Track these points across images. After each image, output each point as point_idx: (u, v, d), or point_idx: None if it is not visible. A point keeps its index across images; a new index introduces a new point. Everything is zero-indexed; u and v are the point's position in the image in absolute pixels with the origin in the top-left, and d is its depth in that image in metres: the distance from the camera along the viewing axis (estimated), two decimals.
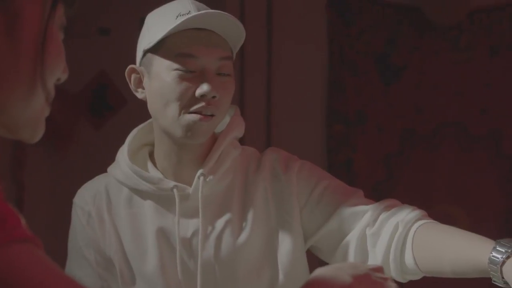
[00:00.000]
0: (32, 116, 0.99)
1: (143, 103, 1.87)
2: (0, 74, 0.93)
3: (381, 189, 4.15)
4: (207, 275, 1.81)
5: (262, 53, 4.21)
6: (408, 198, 3.99)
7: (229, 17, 1.76)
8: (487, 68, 4.12)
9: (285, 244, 1.83)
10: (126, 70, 1.86)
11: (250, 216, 1.84)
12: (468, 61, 4.15)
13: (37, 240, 0.90)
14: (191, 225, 1.83)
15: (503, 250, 1.52)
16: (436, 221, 1.79)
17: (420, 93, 4.17)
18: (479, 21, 4.15)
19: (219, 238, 1.82)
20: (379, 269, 1.22)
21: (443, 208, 4.11)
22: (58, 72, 1.00)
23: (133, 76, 1.86)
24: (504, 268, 1.51)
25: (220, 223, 1.83)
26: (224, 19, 1.76)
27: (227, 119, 1.92)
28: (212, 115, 1.77)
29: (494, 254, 1.54)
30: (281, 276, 1.83)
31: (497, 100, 4.10)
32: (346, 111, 4.19)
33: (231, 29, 1.79)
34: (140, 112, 1.91)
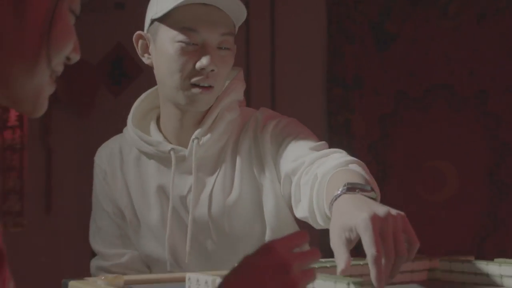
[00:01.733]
0: (34, 90, 0.97)
1: None
2: (6, 48, 0.92)
3: (377, 147, 4.18)
4: (201, 230, 1.84)
5: (266, 23, 4.22)
6: (402, 155, 4.11)
7: None
8: (474, 34, 4.11)
9: (269, 200, 1.84)
10: (134, 35, 1.89)
11: (237, 175, 1.85)
12: (456, 27, 4.14)
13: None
14: (187, 183, 1.85)
15: (345, 188, 1.38)
16: (357, 169, 1.57)
17: (412, 58, 4.17)
18: None
19: (210, 196, 1.84)
20: (299, 237, 1.05)
21: (434, 163, 4.14)
22: (64, 52, 0.98)
23: (140, 41, 1.88)
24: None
25: (211, 182, 1.85)
26: None
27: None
28: (210, 86, 1.81)
29: (340, 189, 1.39)
30: (268, 230, 1.85)
31: (484, 64, 4.09)
32: (344, 76, 4.21)
33: (234, 6, 1.79)
34: (154, 80, 1.91)
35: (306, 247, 1.06)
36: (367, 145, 4.17)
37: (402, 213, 1.26)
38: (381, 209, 1.23)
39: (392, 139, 4.20)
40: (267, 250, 0.99)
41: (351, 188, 1.38)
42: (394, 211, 1.24)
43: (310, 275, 1.01)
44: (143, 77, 4.19)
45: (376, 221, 1.20)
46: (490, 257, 1.63)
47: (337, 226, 1.28)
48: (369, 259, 1.18)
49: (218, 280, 1.31)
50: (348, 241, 1.25)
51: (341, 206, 1.34)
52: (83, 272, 1.80)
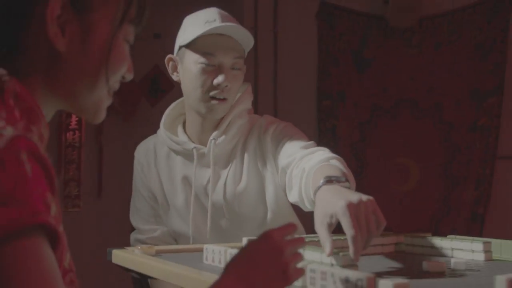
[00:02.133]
0: (95, 102, 0.96)
1: None
2: (73, 68, 0.91)
3: (357, 147, 4.16)
4: (217, 211, 1.84)
5: (270, 48, 4.21)
6: (376, 154, 4.09)
7: (241, 29, 1.78)
8: (432, 60, 4.10)
9: (270, 189, 1.84)
10: (166, 58, 1.89)
11: (245, 169, 1.84)
12: (418, 54, 4.13)
13: (55, 229, 0.76)
14: (206, 175, 1.85)
15: (325, 181, 1.37)
16: (336, 164, 1.56)
17: (384, 78, 4.15)
18: (426, 26, 4.12)
19: (224, 185, 1.84)
20: (290, 228, 1.04)
21: (401, 160, 4.12)
22: (120, 72, 0.97)
23: (170, 63, 1.88)
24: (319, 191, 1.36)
25: (225, 174, 1.85)
26: (239, 29, 1.78)
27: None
28: (225, 99, 1.80)
29: (321, 181, 1.38)
30: (269, 213, 1.85)
31: (439, 82, 4.08)
32: (331, 91, 4.19)
33: (244, 36, 1.80)
34: (182, 93, 1.92)
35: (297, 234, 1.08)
36: (349, 145, 4.15)
37: (371, 198, 1.25)
38: (354, 197, 1.23)
39: (368, 141, 4.18)
40: (265, 237, 1.00)
41: (329, 180, 1.37)
42: (365, 197, 1.23)
43: (299, 257, 1.02)
44: (174, 91, 4.19)
45: (351, 207, 1.20)
46: (444, 235, 1.63)
47: (319, 213, 1.28)
48: (349, 238, 1.18)
49: (229, 251, 1.30)
50: (329, 225, 1.25)
51: (321, 196, 1.33)
52: (126, 244, 1.80)
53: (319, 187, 1.36)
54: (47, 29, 0.88)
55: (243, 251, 0.98)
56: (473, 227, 3.95)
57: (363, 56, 4.17)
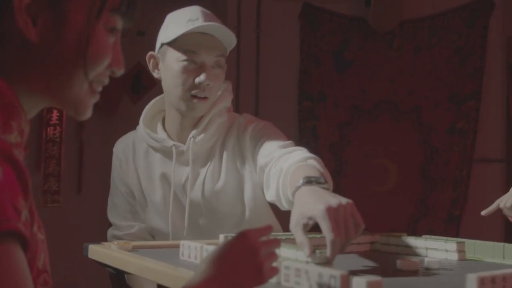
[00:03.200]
0: (75, 98, 0.91)
1: None
2: (47, 61, 0.87)
3: (336, 148, 4.18)
4: (195, 208, 1.83)
5: (252, 48, 4.22)
6: (355, 154, 4.11)
7: (224, 28, 1.77)
8: (412, 62, 4.13)
9: (248, 188, 1.83)
10: (147, 55, 1.87)
11: (224, 167, 1.83)
12: (399, 57, 4.15)
13: (25, 236, 0.73)
14: (184, 172, 1.84)
15: (303, 181, 1.35)
16: (313, 163, 1.55)
17: (364, 79, 4.18)
18: (407, 29, 4.15)
19: (203, 183, 1.83)
20: (266, 229, 1.03)
21: (380, 161, 4.15)
22: (101, 66, 0.91)
23: (151, 60, 1.86)
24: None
25: (204, 172, 1.84)
26: (222, 28, 1.76)
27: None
28: (206, 97, 1.79)
29: (300, 181, 1.36)
30: (247, 210, 1.84)
31: (419, 85, 4.12)
32: (311, 92, 4.20)
33: (226, 35, 1.79)
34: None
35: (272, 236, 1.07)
36: (329, 146, 4.16)
37: (350, 201, 1.24)
38: (334, 200, 1.22)
39: (348, 141, 4.19)
40: (241, 237, 0.99)
41: (308, 181, 1.35)
42: (344, 201, 1.23)
43: (274, 257, 1.02)
44: (157, 89, 4.14)
45: (331, 211, 1.19)
46: (421, 235, 1.64)
47: (296, 213, 1.27)
48: (328, 241, 1.18)
49: (205, 247, 1.30)
50: (305, 226, 1.24)
51: (300, 196, 1.31)
52: (104, 240, 1.79)
53: (298, 187, 1.34)
54: (16, 19, 0.84)
55: (218, 249, 0.98)
56: (449, 228, 3.98)
57: (344, 58, 4.18)
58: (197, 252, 1.31)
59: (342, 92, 4.18)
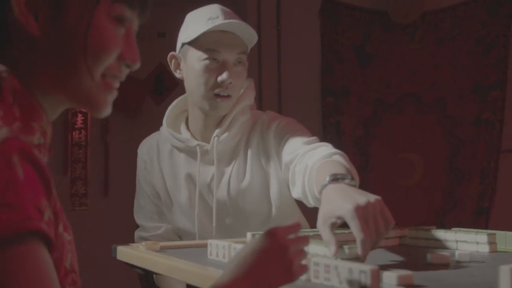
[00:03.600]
0: (87, 93, 0.88)
1: None
2: (52, 55, 0.85)
3: (361, 143, 4.15)
4: (221, 208, 1.82)
5: (273, 45, 4.21)
6: (380, 149, 4.08)
7: (245, 25, 1.76)
8: (434, 54, 4.09)
9: (274, 185, 1.82)
10: (168, 56, 1.86)
11: (249, 165, 1.82)
12: (421, 49, 4.11)
13: (48, 235, 0.73)
14: (210, 172, 1.83)
15: (330, 179, 1.32)
16: (338, 159, 1.54)
17: (387, 73, 4.14)
18: (428, 20, 4.11)
19: (228, 182, 1.82)
20: (294, 227, 1.02)
21: (404, 155, 4.11)
22: (105, 58, 0.87)
23: (173, 60, 1.86)
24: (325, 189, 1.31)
25: (229, 170, 1.83)
26: (243, 26, 1.75)
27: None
28: (229, 96, 1.78)
29: (327, 179, 1.33)
30: (274, 208, 1.83)
31: (442, 77, 4.07)
32: (334, 87, 4.18)
33: (247, 32, 1.78)
34: None
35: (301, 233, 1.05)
36: (353, 141, 4.14)
37: (379, 197, 1.22)
38: (362, 199, 1.19)
39: (372, 136, 4.17)
40: (270, 235, 0.98)
41: (334, 178, 1.32)
42: (372, 198, 1.20)
43: (303, 254, 1.01)
44: (179, 89, 4.17)
45: (359, 210, 1.16)
46: (450, 228, 1.62)
47: (324, 212, 1.24)
48: (358, 241, 1.16)
49: (233, 245, 1.29)
50: (332, 225, 1.22)
51: (327, 195, 1.28)
52: (132, 242, 1.79)
53: (324, 186, 1.32)
54: (17, 15, 0.83)
55: (247, 248, 0.97)
56: (478, 220, 3.93)
57: (366, 52, 4.16)
58: (225, 250, 1.31)
59: (365, 87, 4.15)
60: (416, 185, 4.10)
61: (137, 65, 0.93)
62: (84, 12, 0.85)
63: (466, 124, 4.01)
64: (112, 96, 0.93)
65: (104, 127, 4.46)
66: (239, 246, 1.26)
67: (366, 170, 4.09)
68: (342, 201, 1.20)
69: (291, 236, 1.00)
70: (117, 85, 0.93)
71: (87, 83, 0.88)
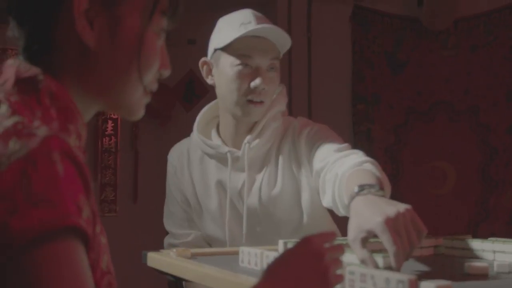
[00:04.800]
0: (130, 100, 0.92)
1: None
2: (104, 64, 0.88)
3: (392, 151, 4.11)
4: (252, 215, 1.80)
5: (304, 52, 4.19)
6: (411, 157, 4.04)
7: (278, 30, 1.74)
8: (468, 61, 4.04)
9: (305, 193, 1.79)
10: (200, 61, 1.85)
11: (280, 172, 1.79)
12: (454, 56, 4.07)
13: (86, 233, 0.73)
14: (240, 178, 1.81)
15: (358, 190, 1.29)
16: (369, 168, 1.51)
17: (419, 80, 4.11)
18: (461, 27, 4.07)
19: (259, 189, 1.80)
20: (330, 235, 1.02)
21: (437, 163, 4.07)
22: (153, 68, 0.92)
23: (205, 67, 1.84)
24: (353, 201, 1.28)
25: (260, 177, 1.81)
26: (276, 30, 1.74)
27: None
28: (262, 102, 1.77)
29: (355, 190, 1.30)
30: (305, 216, 1.80)
31: (475, 85, 4.02)
32: (365, 94, 4.15)
33: (280, 37, 1.76)
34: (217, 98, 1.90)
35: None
36: (384, 149, 4.10)
37: (409, 207, 1.19)
38: (391, 210, 1.16)
39: (404, 144, 4.13)
40: (305, 242, 0.97)
41: (362, 190, 1.29)
42: (402, 208, 1.17)
43: (339, 263, 1.00)
44: (209, 97, 4.17)
45: (390, 223, 1.13)
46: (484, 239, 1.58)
47: (353, 227, 1.21)
48: (391, 254, 1.13)
49: (265, 253, 1.27)
50: (364, 239, 1.19)
51: (356, 208, 1.25)
52: (160, 248, 1.78)
53: (353, 197, 1.29)
54: (75, 24, 0.85)
55: (281, 256, 0.96)
56: None
57: (397, 59, 4.12)
58: (257, 258, 1.29)
59: (396, 94, 4.11)
60: (448, 194, 4.04)
61: (168, 73, 0.97)
62: (140, 27, 0.89)
63: (500, 132, 3.95)
64: (147, 100, 0.96)
65: (134, 134, 4.48)
66: (272, 254, 1.25)
67: (396, 179, 4.05)
68: (371, 213, 1.18)
69: (327, 244, 0.99)
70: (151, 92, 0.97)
71: (136, 92, 0.92)
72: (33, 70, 0.86)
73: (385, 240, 1.13)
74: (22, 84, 0.84)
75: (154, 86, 0.96)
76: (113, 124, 4.42)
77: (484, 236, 2.66)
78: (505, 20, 3.99)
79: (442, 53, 4.08)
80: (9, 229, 0.67)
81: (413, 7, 4.06)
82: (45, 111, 0.83)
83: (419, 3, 3.99)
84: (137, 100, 0.94)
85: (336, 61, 4.17)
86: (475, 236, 1.82)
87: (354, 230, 1.20)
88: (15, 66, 0.87)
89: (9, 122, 0.76)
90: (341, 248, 1.01)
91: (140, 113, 0.96)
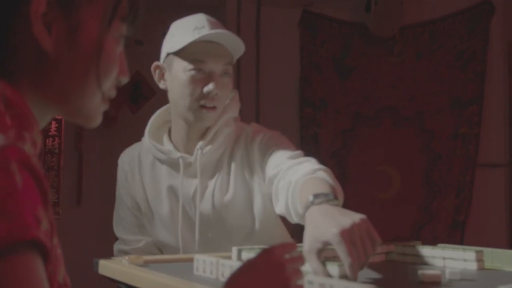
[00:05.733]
0: (88, 107, 0.90)
1: (166, 94, 1.83)
2: (61, 71, 0.85)
3: (338, 155, 4.15)
4: (204, 221, 1.79)
5: (252, 56, 4.20)
6: (357, 162, 4.08)
7: (232, 35, 1.74)
8: (413, 68, 4.13)
9: (257, 198, 1.79)
10: (152, 65, 1.82)
11: (232, 178, 1.79)
12: (400, 63, 4.15)
13: (45, 246, 0.71)
14: (193, 184, 1.80)
15: (313, 200, 1.29)
16: (322, 175, 1.52)
17: (366, 86, 4.17)
18: (407, 34, 4.15)
19: (212, 194, 1.79)
20: (290, 246, 1.01)
21: (382, 168, 4.13)
22: (112, 75, 0.90)
23: (157, 71, 1.81)
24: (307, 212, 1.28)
25: (213, 183, 1.80)
26: (229, 36, 1.73)
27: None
28: (215, 107, 1.76)
29: (309, 199, 1.30)
30: (257, 222, 1.80)
31: (421, 91, 4.11)
32: (313, 99, 4.19)
33: (234, 43, 1.75)
34: (165, 100, 1.87)
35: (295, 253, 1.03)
36: (331, 153, 4.14)
37: (364, 216, 1.20)
38: (347, 221, 1.17)
39: (350, 149, 4.18)
40: (266, 253, 0.97)
41: (317, 200, 1.29)
42: (357, 218, 1.18)
43: (299, 274, 0.99)
44: (156, 98, 4.17)
45: (345, 234, 1.14)
46: (426, 242, 1.61)
47: (309, 238, 1.21)
48: (346, 265, 1.14)
49: (221, 261, 1.27)
50: (319, 251, 1.19)
51: (311, 218, 1.25)
52: (106, 253, 1.75)
53: (308, 207, 1.28)
54: (32, 28, 0.82)
55: (243, 266, 0.95)
56: (454, 234, 3.95)
57: (345, 64, 4.17)
58: (212, 266, 1.28)
59: (343, 99, 4.16)
60: (393, 198, 4.11)
61: (126, 80, 0.95)
62: (98, 32, 0.87)
63: (443, 138, 4.04)
64: (105, 108, 0.94)
65: (78, 135, 4.40)
66: (227, 262, 1.24)
67: (343, 183, 4.07)
68: (327, 225, 1.18)
69: (287, 255, 0.99)
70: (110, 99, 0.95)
71: (95, 99, 0.90)
72: None
73: (341, 251, 1.14)
74: None
75: (113, 93, 0.94)
76: (56, 125, 4.34)
77: (427, 239, 2.72)
78: (449, 29, 4.09)
79: (388, 60, 4.15)
80: None
81: (361, 13, 4.12)
82: (0, 118, 0.81)
83: (367, 10, 4.05)
84: (95, 107, 0.91)
85: (285, 65, 4.20)
86: (418, 239, 1.85)
87: (309, 241, 1.20)
88: None
89: None
90: (301, 259, 1.01)
91: (97, 120, 0.93)
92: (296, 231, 1.91)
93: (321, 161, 1.67)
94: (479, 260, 1.41)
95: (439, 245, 1.59)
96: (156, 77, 1.83)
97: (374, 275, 1.33)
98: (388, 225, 3.96)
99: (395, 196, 4.11)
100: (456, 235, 3.94)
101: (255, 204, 1.80)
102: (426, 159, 4.08)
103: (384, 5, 3.98)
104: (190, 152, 1.81)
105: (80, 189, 4.43)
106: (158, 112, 1.91)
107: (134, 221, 1.87)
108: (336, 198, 1.33)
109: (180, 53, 1.74)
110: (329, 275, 1.17)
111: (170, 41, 1.78)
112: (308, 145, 4.12)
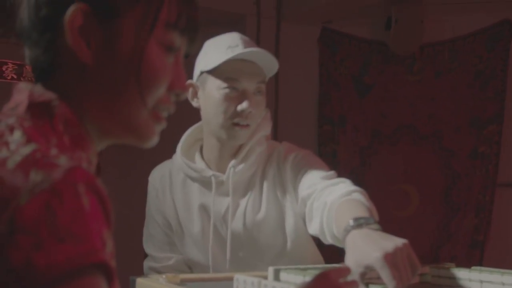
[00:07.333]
0: (135, 123, 0.86)
1: (196, 111, 1.84)
2: (103, 84, 0.84)
3: (356, 173, 4.15)
4: (235, 240, 1.79)
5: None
6: (375, 179, 4.08)
7: (267, 54, 1.75)
8: (432, 87, 4.12)
9: (289, 218, 1.79)
10: (186, 83, 1.83)
11: (264, 197, 1.79)
12: (419, 81, 4.15)
13: (111, 268, 0.71)
14: (224, 203, 1.80)
15: (354, 224, 1.31)
16: (358, 198, 1.53)
17: (384, 103, 4.17)
18: (427, 53, 4.15)
19: (244, 213, 1.79)
20: (345, 271, 1.03)
21: (400, 186, 4.12)
22: (157, 87, 0.86)
23: (190, 89, 1.82)
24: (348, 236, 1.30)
25: (244, 202, 1.80)
26: (263, 54, 1.74)
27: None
28: (248, 125, 1.77)
29: (350, 224, 1.32)
30: (289, 242, 1.80)
31: (439, 110, 4.10)
32: (331, 116, 4.19)
33: (267, 61, 1.76)
34: (192, 118, 1.88)
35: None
36: (349, 170, 4.13)
37: (406, 241, 1.22)
38: (389, 245, 1.19)
39: (368, 166, 4.18)
40: (322, 278, 0.98)
41: (358, 224, 1.30)
42: (399, 242, 1.20)
43: None
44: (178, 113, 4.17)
45: (389, 258, 1.16)
46: (444, 261, 1.61)
47: (352, 262, 1.23)
48: None
49: (263, 282, 1.27)
50: (362, 275, 1.21)
51: (352, 242, 1.27)
52: (130, 269, 1.72)
53: (349, 231, 1.30)
54: (70, 42, 0.81)
55: None
56: (473, 254, 3.94)
57: (364, 82, 4.18)
58: (253, 287, 1.29)
59: (362, 116, 4.17)
60: (411, 216, 4.10)
61: (185, 95, 0.92)
62: (138, 40, 0.84)
63: (462, 157, 4.04)
64: (161, 126, 0.91)
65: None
66: (270, 283, 1.25)
67: None
68: (370, 249, 1.19)
69: (341, 280, 1.00)
70: (166, 115, 0.91)
71: (140, 113, 0.86)
72: (48, 95, 0.83)
73: (384, 275, 1.15)
74: (36, 109, 0.81)
75: (169, 108, 0.90)
76: None
77: (445, 259, 2.70)
78: (469, 48, 4.09)
79: (407, 78, 4.15)
80: (34, 265, 0.65)
81: (381, 31, 4.13)
82: (59, 138, 0.80)
83: (387, 28, 4.06)
84: (144, 123, 0.87)
85: (304, 82, 4.21)
86: (437, 259, 1.86)
87: (352, 265, 1.21)
88: (27, 90, 0.83)
89: (26, 150, 0.73)
90: (355, 284, 1.02)
91: (152, 138, 0.89)
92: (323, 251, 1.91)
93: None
94: None
95: (473, 267, 1.58)
96: (189, 95, 1.83)
97: None
98: None
99: (413, 214, 4.10)
100: (475, 255, 3.93)
101: (287, 224, 1.80)
102: (445, 177, 4.07)
103: (404, 23, 4.00)
104: (222, 170, 1.82)
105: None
106: (189, 130, 1.92)
107: (165, 239, 1.88)
108: (376, 222, 1.33)
109: (214, 72, 1.75)
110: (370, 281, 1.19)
111: (203, 59, 1.80)
112: (326, 162, 4.08)
